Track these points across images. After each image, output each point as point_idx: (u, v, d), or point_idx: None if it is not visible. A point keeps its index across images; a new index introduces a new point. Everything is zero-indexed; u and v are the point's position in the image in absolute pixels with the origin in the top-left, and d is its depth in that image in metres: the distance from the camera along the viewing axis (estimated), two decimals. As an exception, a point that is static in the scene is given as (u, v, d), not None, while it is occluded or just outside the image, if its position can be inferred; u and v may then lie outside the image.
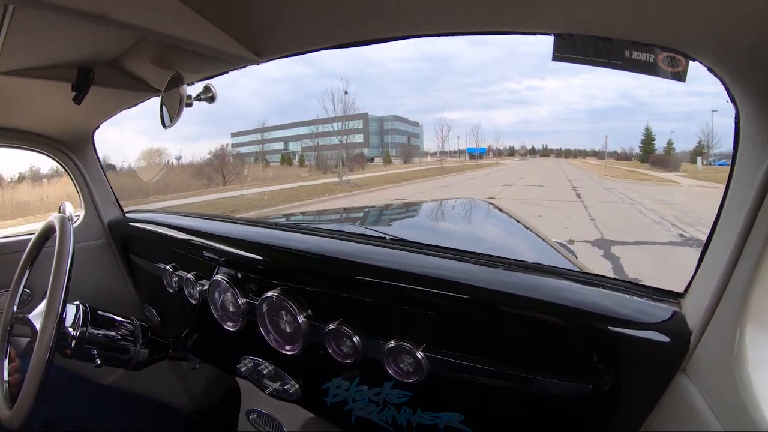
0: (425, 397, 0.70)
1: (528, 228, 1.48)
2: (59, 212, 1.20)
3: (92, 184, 1.36)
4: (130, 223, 1.28)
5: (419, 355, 0.63)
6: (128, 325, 1.02)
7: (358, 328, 0.70)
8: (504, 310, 0.60)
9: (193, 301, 1.01)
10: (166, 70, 0.79)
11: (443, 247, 0.77)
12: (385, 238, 0.91)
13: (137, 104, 1.09)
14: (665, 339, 0.50)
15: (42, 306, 0.88)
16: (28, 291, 1.13)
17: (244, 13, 0.64)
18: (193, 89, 0.83)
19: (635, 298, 0.56)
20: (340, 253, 0.80)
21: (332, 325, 0.71)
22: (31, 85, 0.92)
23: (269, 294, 0.79)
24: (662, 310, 0.53)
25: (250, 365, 0.95)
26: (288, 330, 0.78)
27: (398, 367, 0.66)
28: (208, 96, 0.79)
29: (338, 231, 1.09)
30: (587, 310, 0.54)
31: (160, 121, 0.81)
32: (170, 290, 1.08)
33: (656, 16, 0.40)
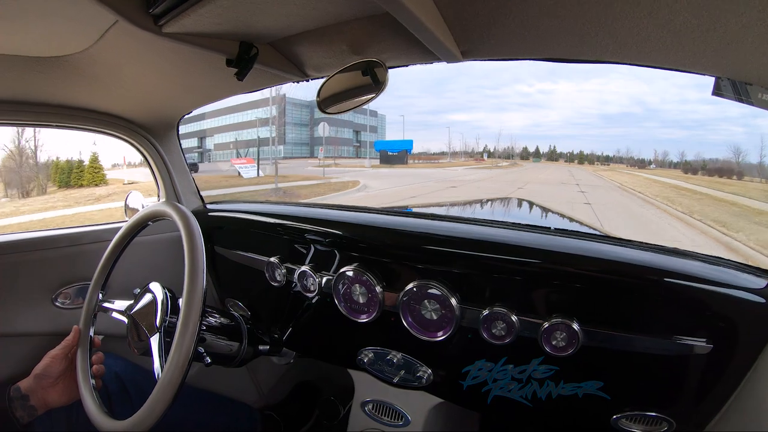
0: (570, 369, 0.80)
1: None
2: (126, 203, 1.33)
3: (175, 173, 1.39)
4: (212, 214, 1.32)
5: (576, 328, 0.75)
6: (233, 321, 1.04)
7: (512, 309, 0.80)
8: (637, 283, 0.75)
9: (310, 294, 1.06)
10: (354, 56, 0.81)
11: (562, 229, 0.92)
12: (504, 221, 0.99)
13: (239, 94, 1.13)
14: (763, 301, 0.67)
15: (120, 302, 0.95)
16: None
17: (470, 5, 0.63)
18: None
19: (731, 270, 0.74)
20: (482, 235, 0.88)
21: (486, 310, 0.81)
22: (123, 61, 0.92)
23: (411, 285, 0.88)
24: (757, 280, 0.71)
25: (371, 356, 1.02)
26: (434, 317, 0.87)
27: (551, 344, 0.77)
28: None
29: (459, 216, 1.13)
30: (702, 277, 0.71)
31: (318, 106, 0.86)
32: (274, 283, 1.13)
33: None
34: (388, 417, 1.10)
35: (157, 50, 0.83)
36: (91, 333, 0.94)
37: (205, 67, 0.91)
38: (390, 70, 0.76)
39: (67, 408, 0.97)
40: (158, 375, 0.77)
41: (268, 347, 1.11)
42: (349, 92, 0.82)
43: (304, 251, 1.10)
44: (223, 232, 1.28)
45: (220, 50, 0.79)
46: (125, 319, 0.91)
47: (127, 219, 1.21)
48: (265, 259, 1.14)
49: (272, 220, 1.18)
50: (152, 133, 1.34)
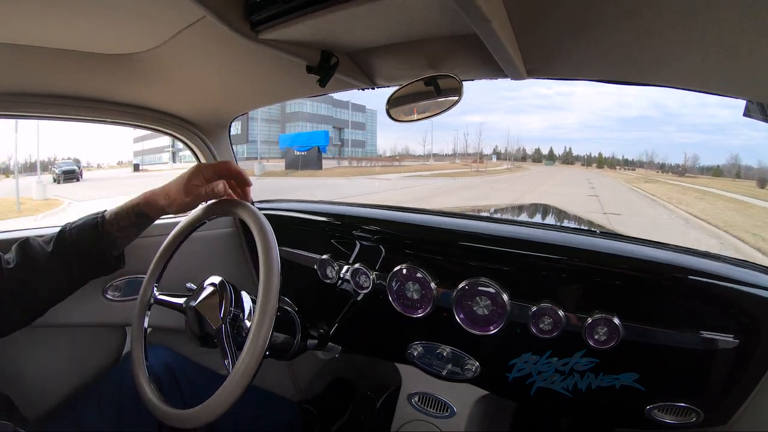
0: (609, 362, 0.90)
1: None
2: None
3: None
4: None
5: (617, 323, 0.85)
6: (287, 315, 1.08)
7: (558, 305, 0.90)
8: (670, 281, 0.85)
9: (362, 291, 1.15)
10: (429, 69, 0.87)
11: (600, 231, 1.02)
12: (556, 224, 1.07)
13: (303, 97, 1.20)
14: None
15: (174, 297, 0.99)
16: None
17: (542, 25, 0.68)
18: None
19: (756, 272, 0.85)
20: (530, 236, 0.98)
21: (535, 306, 0.91)
22: (191, 61, 0.96)
23: (464, 283, 0.98)
24: None
25: (420, 350, 1.11)
26: (485, 313, 0.97)
27: (594, 337, 0.87)
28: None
29: (495, 217, 1.22)
30: (729, 277, 0.82)
31: (387, 113, 0.92)
32: (326, 280, 1.22)
33: None
34: (433, 409, 1.19)
35: (243, 52, 0.88)
36: (145, 325, 0.99)
37: (280, 71, 0.98)
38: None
39: (116, 398, 1.06)
40: (229, 367, 0.80)
41: (316, 342, 1.17)
42: (422, 103, 0.89)
43: (351, 249, 1.20)
44: (277, 231, 1.36)
45: (303, 57, 0.84)
46: (182, 313, 0.95)
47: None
48: (315, 256, 1.23)
49: (321, 218, 1.27)
50: (204, 132, 1.41)
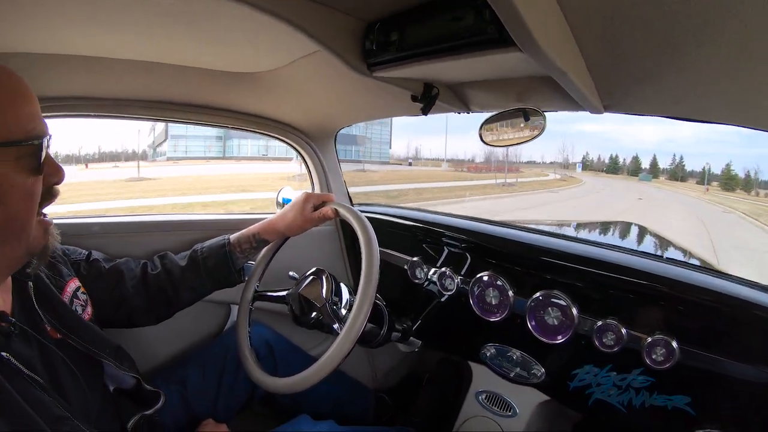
0: (664, 382, 1.03)
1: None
2: (278, 194, 1.59)
3: (329, 175, 1.74)
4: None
5: (674, 346, 0.97)
6: (377, 307, 1.22)
7: (622, 322, 1.04)
8: (732, 313, 0.93)
9: (446, 293, 1.36)
10: (516, 102, 1.04)
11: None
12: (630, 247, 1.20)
13: (403, 116, 1.41)
14: None
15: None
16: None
17: (616, 69, 0.78)
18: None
19: None
20: (601, 256, 1.13)
21: (600, 321, 1.07)
22: (307, 82, 1.17)
23: (538, 294, 1.15)
24: None
25: (493, 351, 1.30)
26: (554, 323, 1.16)
27: (651, 357, 1.01)
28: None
29: (572, 236, 1.34)
30: None
31: (480, 137, 1.13)
32: (415, 280, 1.44)
33: None
34: (497, 407, 1.37)
35: (355, 81, 1.07)
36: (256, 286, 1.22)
37: (387, 95, 1.20)
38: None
39: (219, 364, 1.27)
40: (337, 332, 0.98)
41: (399, 335, 1.35)
42: (509, 130, 1.10)
43: (439, 254, 1.42)
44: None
45: (409, 88, 1.04)
46: (284, 303, 1.15)
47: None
48: (406, 257, 1.47)
49: (413, 223, 1.50)
50: (313, 140, 1.70)
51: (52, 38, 0.92)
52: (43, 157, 0.66)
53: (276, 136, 1.62)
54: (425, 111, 1.09)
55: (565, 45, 0.71)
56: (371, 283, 0.96)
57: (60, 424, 0.66)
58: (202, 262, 1.15)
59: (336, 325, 1.05)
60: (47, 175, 0.69)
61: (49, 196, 0.71)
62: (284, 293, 1.18)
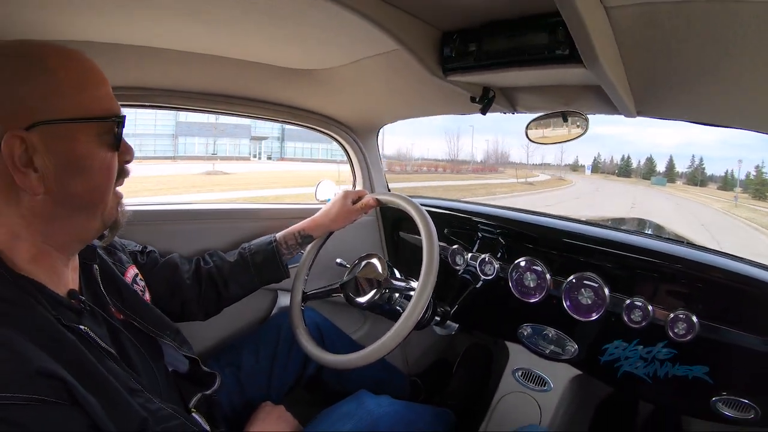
0: (686, 354, 1.18)
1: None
2: (317, 188, 1.69)
3: (371, 168, 1.88)
4: None
5: (694, 320, 1.12)
6: None
7: (648, 300, 1.20)
8: (744, 289, 1.06)
9: (486, 278, 1.50)
10: (561, 105, 1.18)
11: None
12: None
13: (454, 114, 1.55)
14: None
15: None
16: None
17: (653, 76, 0.86)
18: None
19: None
20: (628, 240, 1.27)
21: (628, 300, 1.22)
22: (366, 80, 1.25)
23: (573, 277, 1.29)
24: None
25: (530, 331, 1.45)
26: (588, 302, 1.30)
27: (674, 331, 1.16)
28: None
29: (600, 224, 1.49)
30: None
31: (526, 135, 1.31)
32: (456, 267, 1.59)
33: None
34: (533, 383, 1.49)
35: (423, 83, 1.18)
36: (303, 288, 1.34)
37: (446, 97, 1.31)
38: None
39: (273, 345, 1.35)
40: (404, 311, 1.06)
41: (438, 318, 1.45)
42: (554, 129, 1.28)
43: (477, 241, 1.57)
44: (408, 221, 1.59)
45: (469, 90, 1.14)
46: (338, 293, 1.28)
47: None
48: (446, 246, 1.62)
49: (454, 213, 1.64)
50: (358, 135, 1.83)
51: (123, 29, 0.96)
52: (120, 135, 0.71)
53: (322, 129, 1.72)
54: (484, 111, 1.21)
55: (615, 59, 0.84)
56: (432, 271, 1.07)
57: (135, 395, 0.69)
58: (250, 258, 1.27)
59: (396, 295, 1.21)
60: (121, 153, 0.73)
61: (123, 173, 0.76)
62: (336, 285, 1.31)
